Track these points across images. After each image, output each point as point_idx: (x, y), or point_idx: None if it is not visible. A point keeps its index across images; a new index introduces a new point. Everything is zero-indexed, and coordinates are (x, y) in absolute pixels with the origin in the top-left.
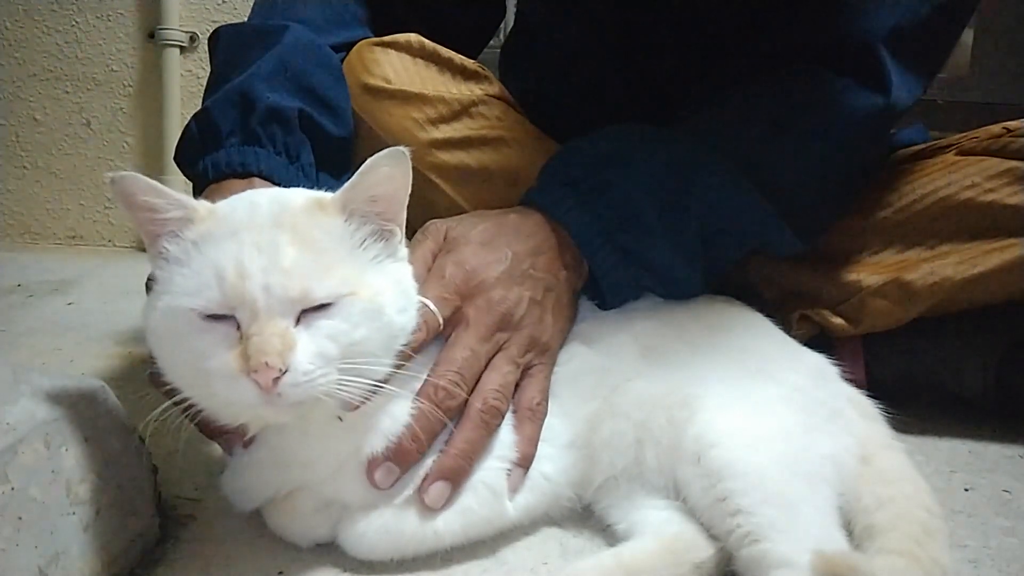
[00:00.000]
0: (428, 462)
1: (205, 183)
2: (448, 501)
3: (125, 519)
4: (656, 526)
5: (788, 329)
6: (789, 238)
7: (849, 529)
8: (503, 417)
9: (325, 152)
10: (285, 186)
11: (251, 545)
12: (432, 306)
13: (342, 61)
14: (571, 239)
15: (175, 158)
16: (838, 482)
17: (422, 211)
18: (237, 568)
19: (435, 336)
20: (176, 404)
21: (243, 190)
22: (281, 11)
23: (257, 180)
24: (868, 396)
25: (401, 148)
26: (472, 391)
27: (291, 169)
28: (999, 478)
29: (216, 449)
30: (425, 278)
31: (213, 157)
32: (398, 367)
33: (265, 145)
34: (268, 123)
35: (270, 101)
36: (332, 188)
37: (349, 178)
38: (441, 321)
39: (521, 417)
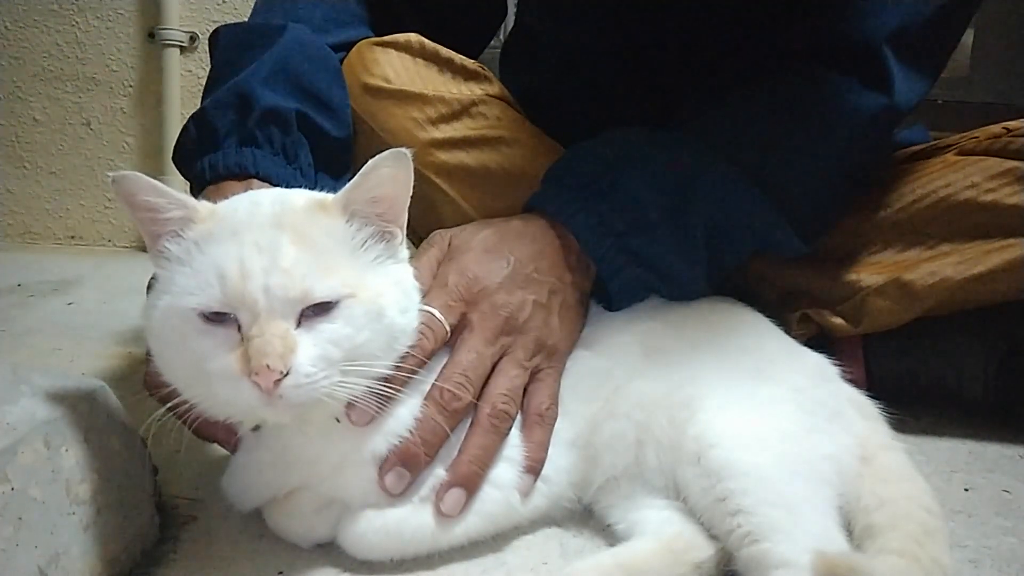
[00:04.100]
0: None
1: (203, 184)
2: (464, 508)
3: (125, 519)
4: (656, 526)
5: (788, 329)
6: (792, 239)
7: (849, 529)
8: (513, 421)
9: (324, 153)
10: (283, 187)
11: (251, 545)
12: (438, 314)
13: (342, 61)
14: (576, 242)
15: (173, 159)
16: (838, 482)
17: (422, 211)
18: (237, 568)
19: (443, 344)
20: (171, 409)
21: (241, 191)
22: (281, 10)
23: (255, 181)
24: (868, 396)
25: (403, 149)
26: (479, 395)
27: (289, 170)
28: (999, 478)
29: (216, 449)
30: (429, 286)
31: (211, 158)
32: (408, 374)
33: (263, 146)
34: (266, 124)
35: (268, 102)
36: (331, 189)
37: (349, 179)
38: (448, 328)
39: (530, 422)
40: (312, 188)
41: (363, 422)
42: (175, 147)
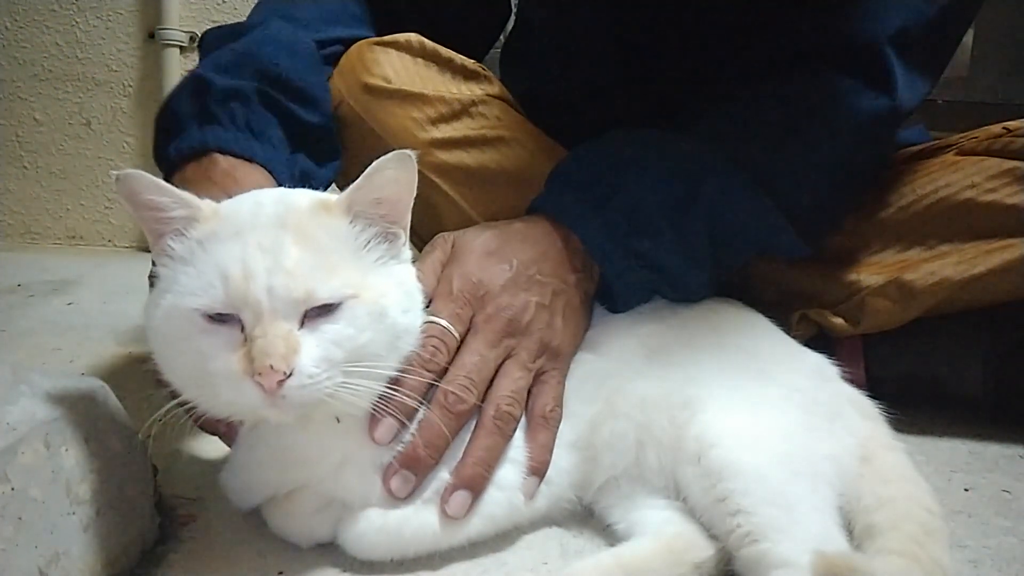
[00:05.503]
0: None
1: (173, 171)
2: (470, 510)
3: (125, 519)
4: (656, 526)
5: (788, 329)
6: (795, 241)
7: (849, 529)
8: (517, 423)
9: (299, 138)
10: (249, 160)
11: (251, 545)
12: (445, 324)
13: (338, 56)
14: (580, 245)
15: (154, 157)
16: (838, 482)
17: (421, 210)
18: (237, 568)
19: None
20: (181, 404)
21: (202, 174)
22: (273, 10)
23: (219, 157)
24: (868, 396)
25: (407, 151)
26: (484, 397)
27: (255, 143)
28: (999, 478)
29: (216, 449)
30: (433, 289)
31: (176, 144)
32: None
33: (225, 124)
34: (225, 102)
35: (224, 83)
36: (310, 171)
37: (333, 164)
38: (457, 337)
39: (535, 424)
40: (287, 163)
41: (386, 440)
42: (153, 149)
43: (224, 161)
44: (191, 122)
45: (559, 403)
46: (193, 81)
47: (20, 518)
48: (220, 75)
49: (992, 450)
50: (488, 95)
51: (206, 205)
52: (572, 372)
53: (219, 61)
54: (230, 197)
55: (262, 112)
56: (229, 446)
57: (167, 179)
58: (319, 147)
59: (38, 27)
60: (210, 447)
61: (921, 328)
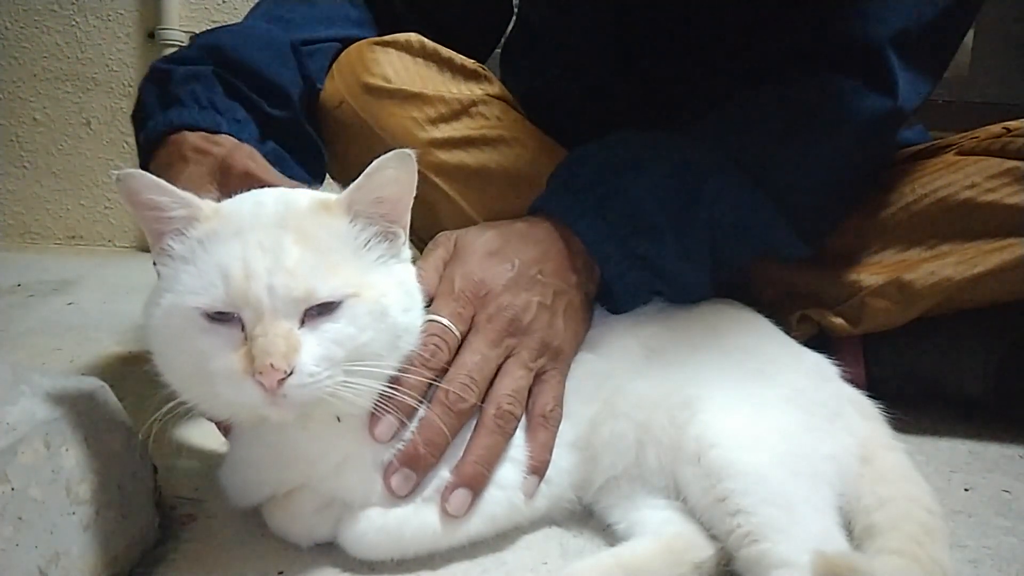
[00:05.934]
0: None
1: (147, 160)
2: (470, 509)
3: (125, 519)
4: (656, 526)
5: (788, 329)
6: (796, 242)
7: (849, 529)
8: (518, 422)
9: (266, 128)
10: (216, 131)
11: (251, 545)
12: (446, 322)
13: (332, 53)
14: (582, 245)
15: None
16: (838, 482)
17: (422, 211)
18: (237, 568)
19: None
20: (180, 404)
21: (173, 154)
22: (262, 12)
23: (187, 134)
24: (868, 396)
25: (407, 150)
26: (485, 397)
27: (219, 118)
28: (999, 478)
29: (216, 449)
30: (435, 288)
31: (144, 132)
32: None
33: (187, 103)
34: (186, 84)
35: (184, 69)
36: (280, 156)
37: (306, 155)
38: (458, 336)
39: (535, 424)
40: (259, 143)
41: (387, 438)
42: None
43: (192, 136)
44: (156, 108)
45: (559, 403)
46: (155, 72)
47: (20, 518)
48: (181, 63)
49: (992, 450)
50: (488, 95)
51: (207, 205)
52: (572, 372)
53: (182, 53)
54: (208, 171)
55: (221, 92)
56: (226, 437)
57: (144, 168)
58: (286, 139)
59: (38, 27)
60: (210, 447)
61: (921, 328)
